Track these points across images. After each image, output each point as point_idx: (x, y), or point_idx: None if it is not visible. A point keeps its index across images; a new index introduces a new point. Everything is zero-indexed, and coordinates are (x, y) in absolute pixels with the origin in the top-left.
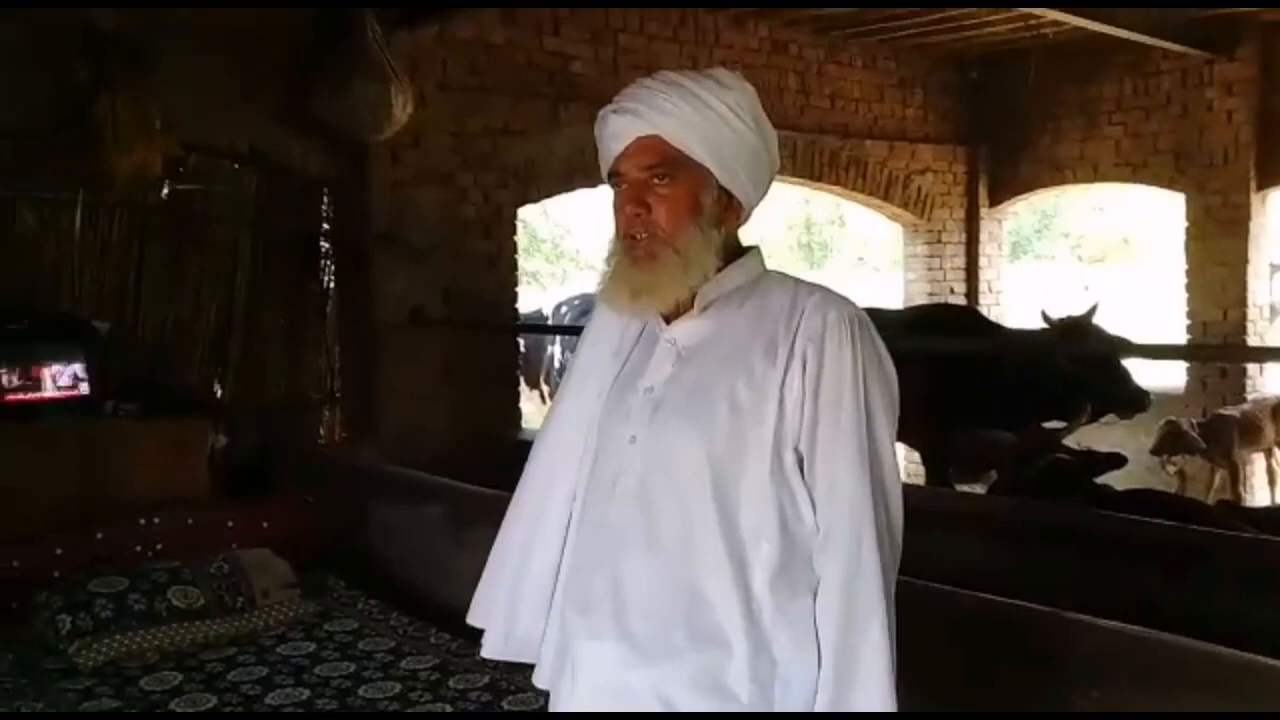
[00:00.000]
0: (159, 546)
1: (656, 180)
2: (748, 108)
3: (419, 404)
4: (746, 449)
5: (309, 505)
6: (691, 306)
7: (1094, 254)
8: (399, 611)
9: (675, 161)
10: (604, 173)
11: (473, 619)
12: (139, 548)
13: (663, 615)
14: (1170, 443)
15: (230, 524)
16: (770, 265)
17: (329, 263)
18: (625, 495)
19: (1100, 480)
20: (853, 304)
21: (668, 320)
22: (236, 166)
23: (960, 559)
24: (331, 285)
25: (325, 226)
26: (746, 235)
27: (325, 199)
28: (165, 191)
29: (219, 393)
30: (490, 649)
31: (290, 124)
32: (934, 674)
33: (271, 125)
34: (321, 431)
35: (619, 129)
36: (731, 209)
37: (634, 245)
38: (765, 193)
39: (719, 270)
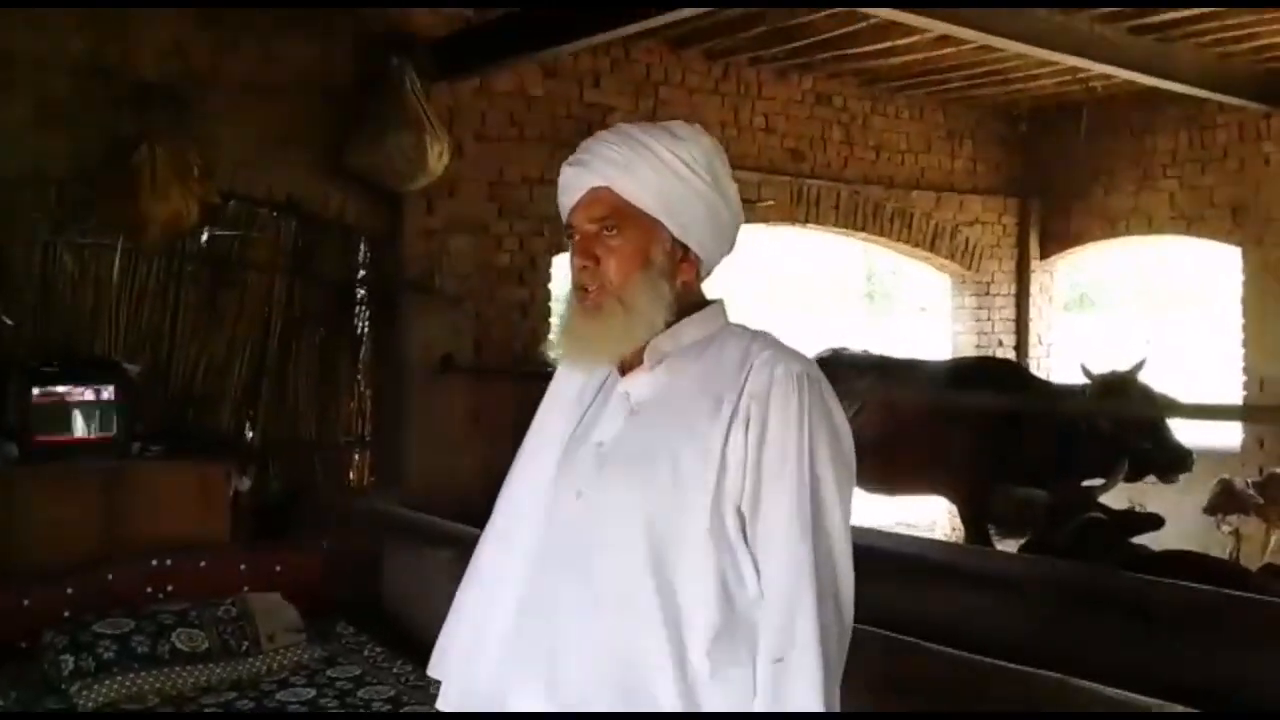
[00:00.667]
0: (169, 588)
1: (606, 232)
2: (702, 161)
3: (447, 450)
4: (686, 510)
5: (323, 550)
6: (640, 359)
7: (1151, 307)
8: (404, 659)
9: (624, 213)
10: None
11: (432, 671)
12: (149, 589)
13: (595, 678)
14: (1223, 502)
15: (243, 567)
16: (823, 317)
17: (363, 309)
18: (563, 555)
19: (1139, 540)
20: (804, 359)
21: (623, 373)
22: (274, 214)
23: (981, 618)
24: (364, 331)
25: (361, 273)
26: (814, 282)
27: (361, 247)
28: (204, 238)
29: (250, 435)
30: (445, 702)
31: (328, 173)
32: None
33: (310, 174)
34: (351, 475)
35: (571, 181)
36: (687, 262)
37: (583, 297)
38: (731, 247)
39: (674, 323)
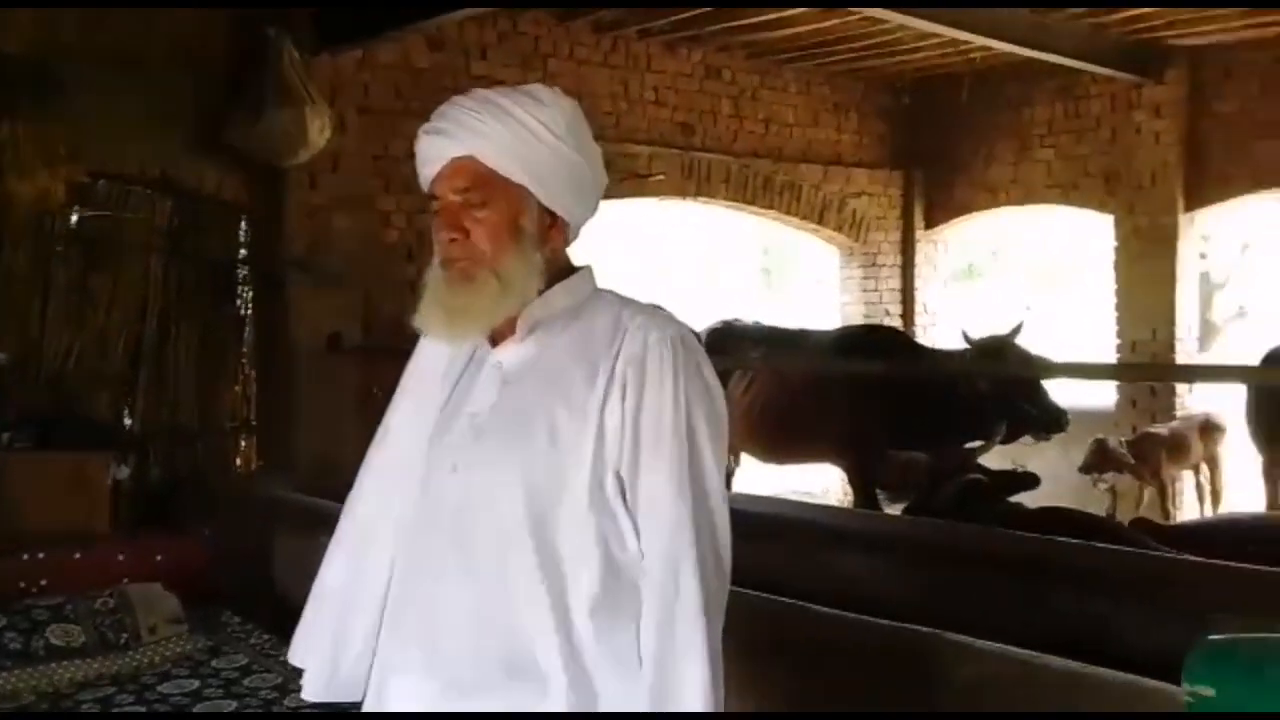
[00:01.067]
0: (43, 583)
1: (473, 204)
2: (565, 124)
3: (337, 432)
4: (565, 477)
5: (206, 538)
6: (513, 328)
7: (1027, 275)
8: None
9: (491, 183)
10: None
11: (293, 658)
12: (22, 584)
13: (476, 650)
14: (1098, 461)
15: (121, 558)
16: (696, 288)
17: (245, 289)
18: (441, 526)
19: (1014, 499)
20: (678, 324)
21: (494, 343)
22: (149, 193)
23: (867, 579)
24: (248, 312)
25: (242, 253)
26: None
27: (242, 225)
28: (74, 219)
29: (128, 423)
30: (311, 691)
31: (205, 149)
32: (814, 693)
33: (186, 151)
34: (236, 461)
35: (432, 150)
36: (555, 228)
37: (450, 267)
38: (594, 210)
39: (544, 291)
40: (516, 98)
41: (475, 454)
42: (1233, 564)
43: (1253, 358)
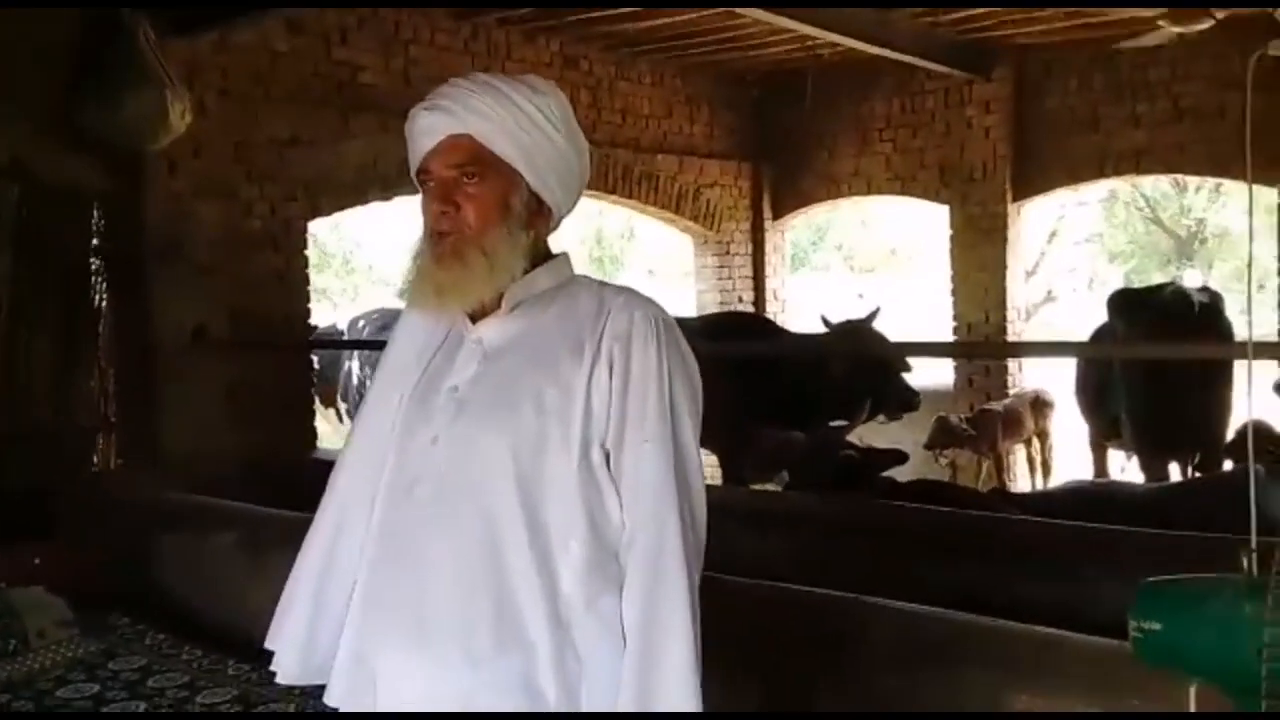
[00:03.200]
0: None
1: (466, 179)
2: (559, 114)
3: (204, 427)
4: (551, 448)
5: (84, 539)
6: (498, 307)
7: (864, 264)
8: (191, 644)
9: (485, 161)
10: (413, 170)
11: (270, 643)
12: None
13: (466, 621)
14: (941, 437)
15: None
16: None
17: (100, 280)
18: (424, 498)
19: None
20: (658, 305)
21: (474, 320)
22: None
23: (760, 554)
24: (104, 304)
25: (95, 242)
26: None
27: (96, 213)
28: None
29: None
30: (285, 674)
31: (57, 135)
32: (736, 664)
33: (35, 135)
34: (96, 460)
35: (430, 125)
36: (541, 214)
37: (439, 242)
38: (576, 201)
39: (527, 273)
40: (515, 84)
41: (458, 427)
42: (1099, 526)
43: (1064, 337)
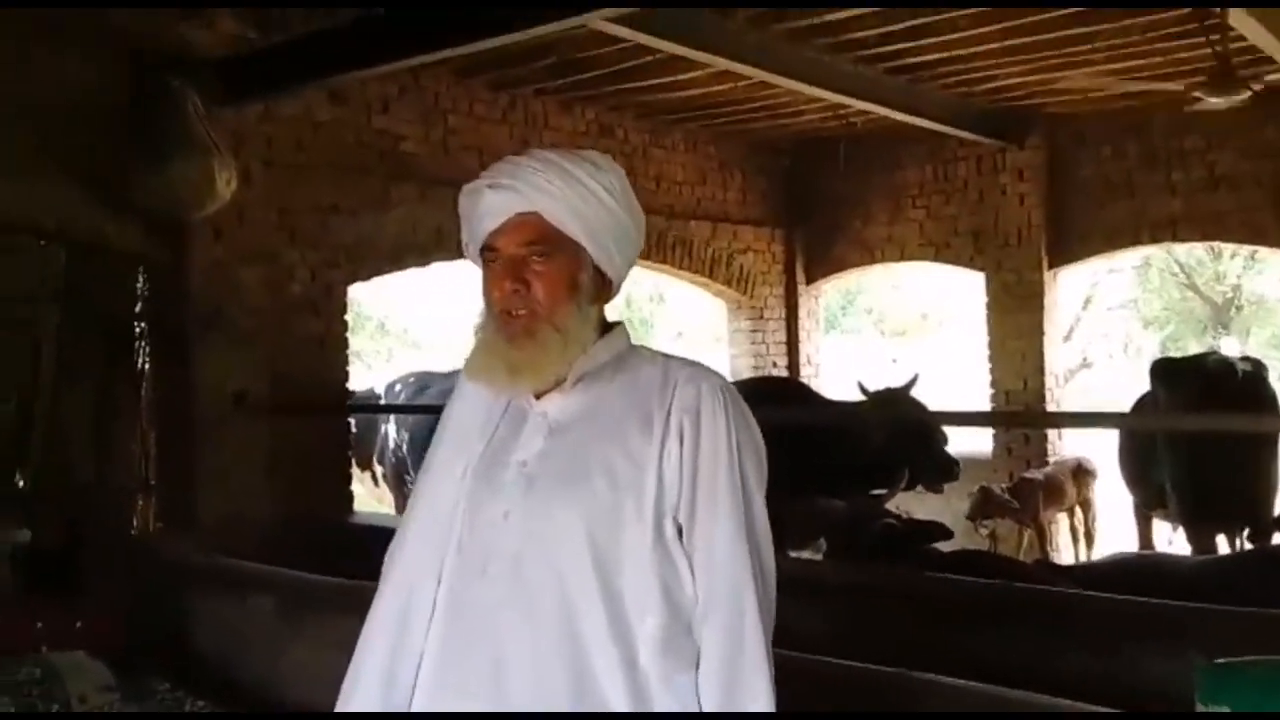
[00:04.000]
0: None
1: (535, 257)
2: (620, 189)
3: (243, 491)
4: (625, 522)
5: (126, 602)
6: (563, 380)
7: (895, 328)
8: (230, 713)
9: (553, 239)
10: (474, 247)
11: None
12: None
13: (545, 696)
14: (984, 507)
15: (39, 625)
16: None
17: (143, 344)
18: (499, 574)
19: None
20: (722, 376)
21: (536, 394)
22: (42, 244)
23: (799, 623)
24: (146, 367)
25: (139, 306)
26: None
27: (140, 277)
28: None
29: (20, 484)
30: None
31: (103, 201)
32: None
33: (82, 202)
34: (135, 521)
35: (495, 205)
36: (604, 286)
37: (510, 322)
38: (630, 270)
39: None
40: (577, 160)
41: (530, 502)
42: (1143, 599)
43: (1101, 404)
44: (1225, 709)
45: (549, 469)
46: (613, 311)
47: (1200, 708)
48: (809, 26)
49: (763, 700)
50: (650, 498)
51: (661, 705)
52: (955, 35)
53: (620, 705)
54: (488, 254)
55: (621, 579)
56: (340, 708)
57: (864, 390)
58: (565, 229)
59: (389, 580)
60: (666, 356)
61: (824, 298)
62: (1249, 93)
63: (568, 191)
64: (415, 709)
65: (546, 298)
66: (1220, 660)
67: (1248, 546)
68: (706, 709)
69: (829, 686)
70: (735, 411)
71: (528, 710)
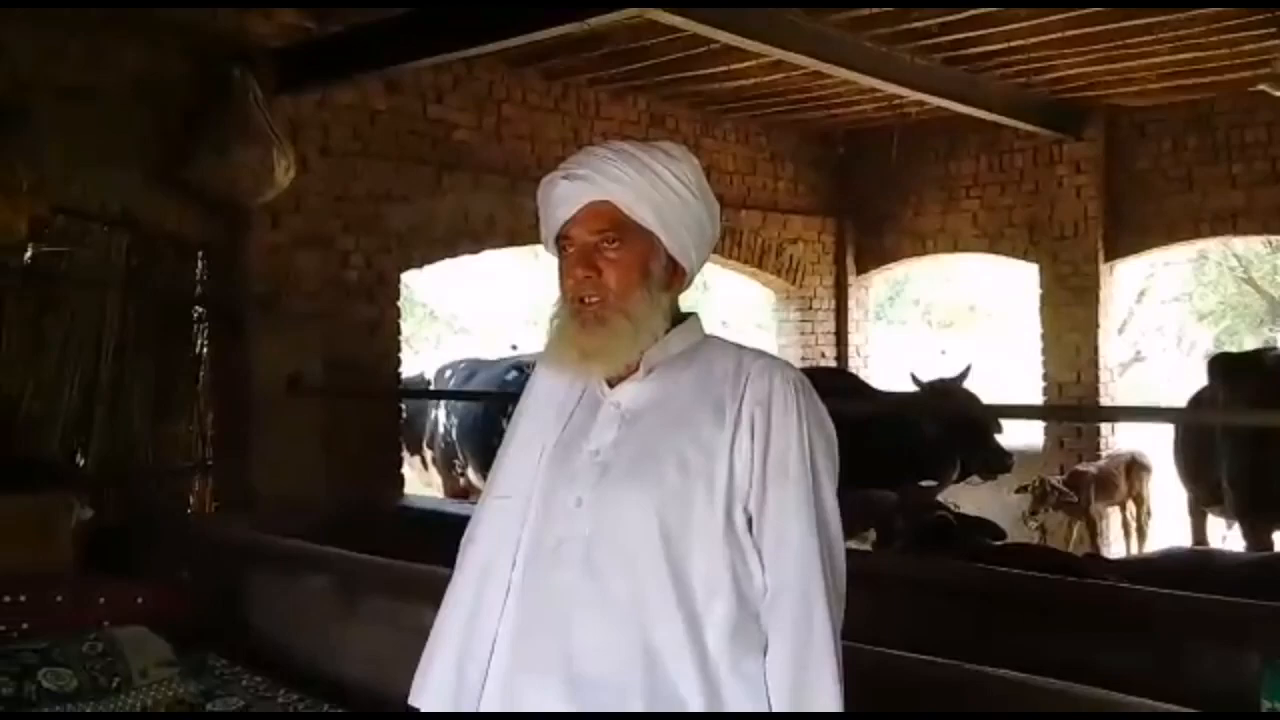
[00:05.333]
0: (25, 626)
1: (607, 245)
2: (693, 178)
3: (297, 472)
4: (696, 510)
5: (185, 579)
6: (635, 369)
7: (943, 319)
8: (287, 688)
9: (626, 227)
10: (549, 237)
11: (414, 699)
12: (4, 628)
13: (618, 680)
14: (1042, 499)
15: (102, 600)
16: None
17: (202, 327)
18: (571, 559)
19: None
20: (794, 368)
21: (610, 384)
22: (106, 229)
23: (848, 614)
24: (205, 350)
25: (199, 290)
26: None
27: (200, 262)
28: (29, 254)
29: (82, 462)
30: None
31: (166, 186)
32: None
33: (146, 187)
34: (192, 501)
35: (569, 194)
36: (676, 275)
37: (583, 309)
38: (705, 261)
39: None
40: (651, 151)
41: (603, 489)
42: (1200, 595)
43: (1154, 398)
44: None
45: (621, 457)
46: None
47: (1266, 705)
48: (867, 16)
49: (830, 692)
50: (721, 486)
51: (730, 691)
52: (1016, 25)
53: (689, 689)
54: (563, 243)
55: (691, 565)
56: (416, 687)
57: (916, 381)
58: (638, 217)
59: (465, 562)
60: (740, 347)
61: (873, 288)
62: None
63: (640, 180)
64: (489, 691)
65: (618, 285)
66: None
67: None
68: (774, 697)
69: (881, 676)
70: (808, 404)
71: (598, 694)
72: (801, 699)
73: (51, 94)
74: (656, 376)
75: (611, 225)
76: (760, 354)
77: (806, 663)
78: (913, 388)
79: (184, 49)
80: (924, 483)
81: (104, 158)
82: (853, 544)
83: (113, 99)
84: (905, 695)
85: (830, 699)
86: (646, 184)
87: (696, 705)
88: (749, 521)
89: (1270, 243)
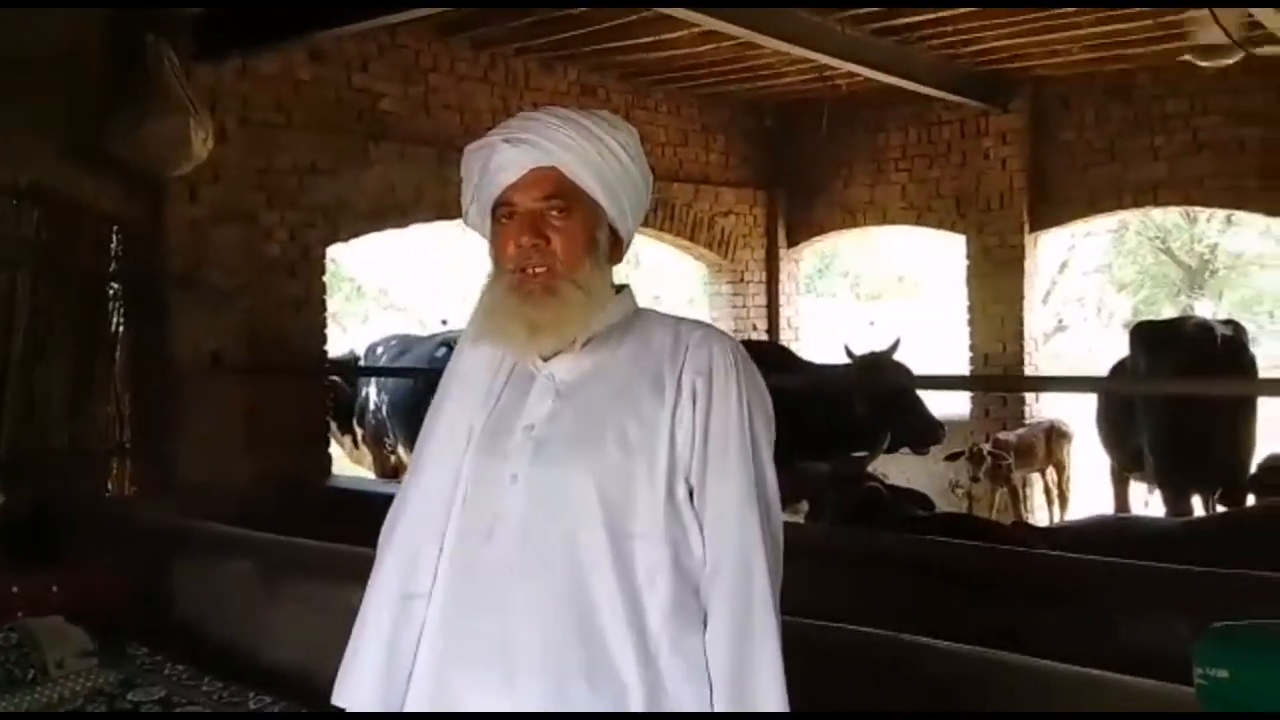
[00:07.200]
0: None
1: (554, 212)
2: (635, 148)
3: (220, 453)
4: (638, 485)
5: (103, 566)
6: (570, 342)
7: (871, 291)
8: (211, 676)
9: (572, 194)
10: (476, 208)
11: (339, 697)
12: None
13: (558, 665)
14: (979, 463)
15: (15, 590)
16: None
17: (118, 304)
18: (506, 537)
19: None
20: (732, 338)
21: (544, 357)
22: (15, 203)
23: (789, 588)
24: (121, 328)
25: (115, 267)
26: None
27: (115, 237)
28: None
29: None
30: None
31: (80, 159)
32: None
33: (57, 159)
34: (110, 485)
35: (512, 159)
36: (617, 246)
37: (528, 279)
38: (635, 232)
39: None
40: (595, 118)
41: (539, 465)
42: (1130, 561)
43: (1075, 367)
44: (1224, 673)
45: (558, 432)
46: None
47: (1198, 670)
48: None
49: (771, 664)
50: (663, 461)
51: (671, 669)
52: None
53: (630, 670)
54: (501, 210)
55: (632, 542)
56: (341, 680)
57: (850, 354)
58: (584, 185)
59: (389, 548)
60: (677, 319)
61: (803, 261)
62: (1242, 54)
63: (586, 147)
64: (416, 681)
65: (566, 253)
66: (1219, 624)
67: (1221, 509)
68: (714, 671)
69: (817, 648)
70: (747, 374)
71: (536, 677)
72: (742, 674)
73: None
74: (592, 349)
75: (558, 191)
76: (698, 324)
77: (748, 636)
78: (845, 360)
79: (100, 17)
80: (855, 454)
81: (13, 129)
82: (786, 516)
83: (24, 68)
84: (843, 667)
85: (771, 672)
86: (593, 150)
87: (635, 684)
88: (690, 493)
89: (1189, 214)
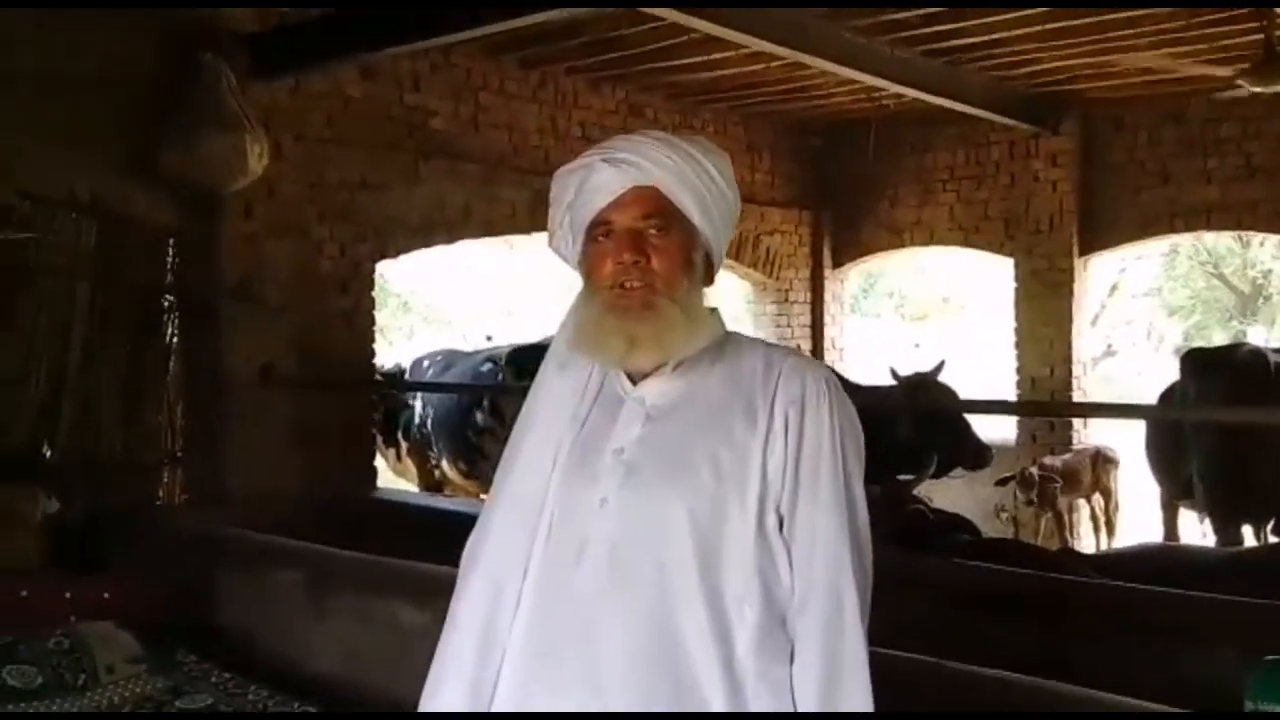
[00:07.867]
0: None
1: (654, 231)
2: (728, 173)
3: (268, 465)
4: (729, 513)
5: (153, 574)
6: (661, 365)
7: (916, 312)
8: (257, 685)
9: (671, 214)
10: (565, 230)
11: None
12: None
13: (644, 687)
14: (1031, 486)
15: (68, 596)
16: None
17: (172, 317)
18: (596, 561)
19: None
20: (825, 367)
21: (632, 379)
22: (75, 216)
23: None
24: (174, 340)
25: (170, 280)
26: None
27: (171, 251)
28: None
29: (48, 454)
30: None
31: (135, 173)
32: None
33: (115, 174)
34: (161, 494)
35: (611, 179)
36: (709, 269)
37: (625, 295)
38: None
39: None
40: (691, 140)
41: (629, 490)
42: (1176, 591)
43: (1124, 392)
44: (1277, 708)
45: (648, 457)
46: None
47: (1249, 704)
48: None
49: (861, 695)
50: (754, 490)
51: (758, 701)
52: (996, 18)
53: (718, 700)
54: (598, 229)
55: (722, 571)
56: (424, 709)
57: (895, 375)
58: (681, 206)
59: (473, 574)
60: (768, 345)
61: (848, 281)
62: None
63: (685, 169)
64: (498, 705)
65: (665, 272)
66: (1272, 657)
67: (1273, 539)
68: (802, 703)
69: (893, 681)
70: (839, 403)
71: (620, 703)
72: (833, 702)
73: (19, 79)
74: (683, 373)
75: (657, 210)
76: (790, 351)
77: (838, 669)
78: (890, 382)
79: (156, 34)
80: (901, 477)
81: (73, 144)
82: None
83: (83, 85)
84: (909, 695)
85: (860, 706)
86: (691, 172)
87: (721, 711)
88: (780, 522)
89: (1240, 238)
